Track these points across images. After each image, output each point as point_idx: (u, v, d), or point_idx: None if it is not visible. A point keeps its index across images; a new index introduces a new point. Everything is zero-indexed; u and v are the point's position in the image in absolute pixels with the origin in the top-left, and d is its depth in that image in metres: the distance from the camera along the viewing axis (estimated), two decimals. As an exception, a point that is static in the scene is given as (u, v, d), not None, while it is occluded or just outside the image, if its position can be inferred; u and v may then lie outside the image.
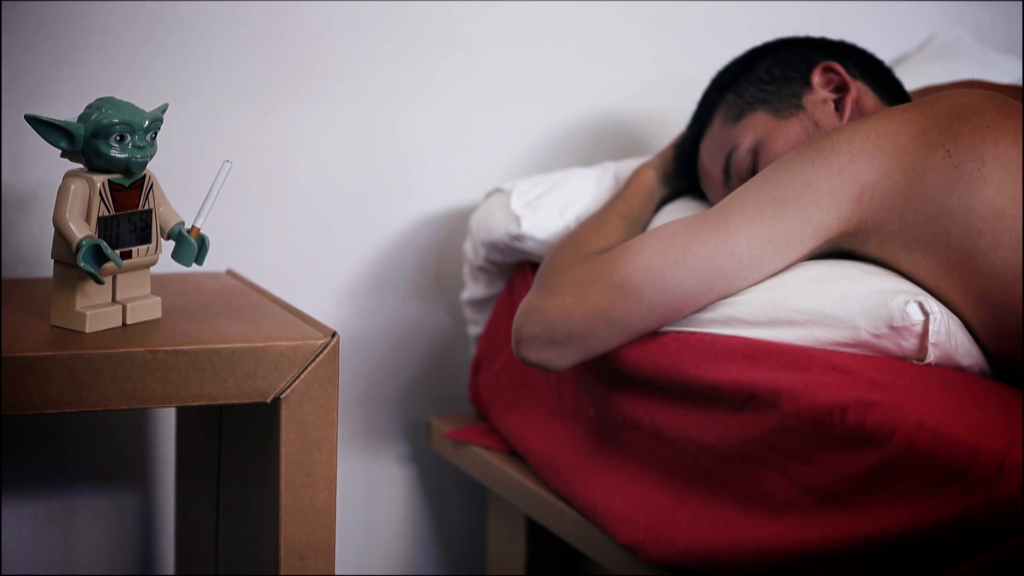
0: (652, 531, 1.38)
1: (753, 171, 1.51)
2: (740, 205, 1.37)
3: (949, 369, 1.29)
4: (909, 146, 1.34)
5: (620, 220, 1.56)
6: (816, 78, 1.52)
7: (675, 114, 1.76)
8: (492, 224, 1.70)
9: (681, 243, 1.37)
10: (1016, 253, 1.28)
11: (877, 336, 1.29)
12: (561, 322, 1.40)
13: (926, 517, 1.12)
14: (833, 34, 1.60)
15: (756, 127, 1.52)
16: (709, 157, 1.57)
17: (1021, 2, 2.11)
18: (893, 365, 1.27)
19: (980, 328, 1.30)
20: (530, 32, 1.86)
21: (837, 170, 1.35)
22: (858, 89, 1.52)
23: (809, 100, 1.51)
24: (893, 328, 1.28)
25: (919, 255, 1.33)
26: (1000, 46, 2.09)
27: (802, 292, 1.33)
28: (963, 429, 1.12)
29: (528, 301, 1.45)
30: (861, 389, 1.21)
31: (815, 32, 1.61)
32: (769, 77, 1.54)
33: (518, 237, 1.66)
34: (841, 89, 1.52)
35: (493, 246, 1.70)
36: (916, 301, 1.28)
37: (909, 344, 1.29)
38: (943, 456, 1.12)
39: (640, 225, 1.57)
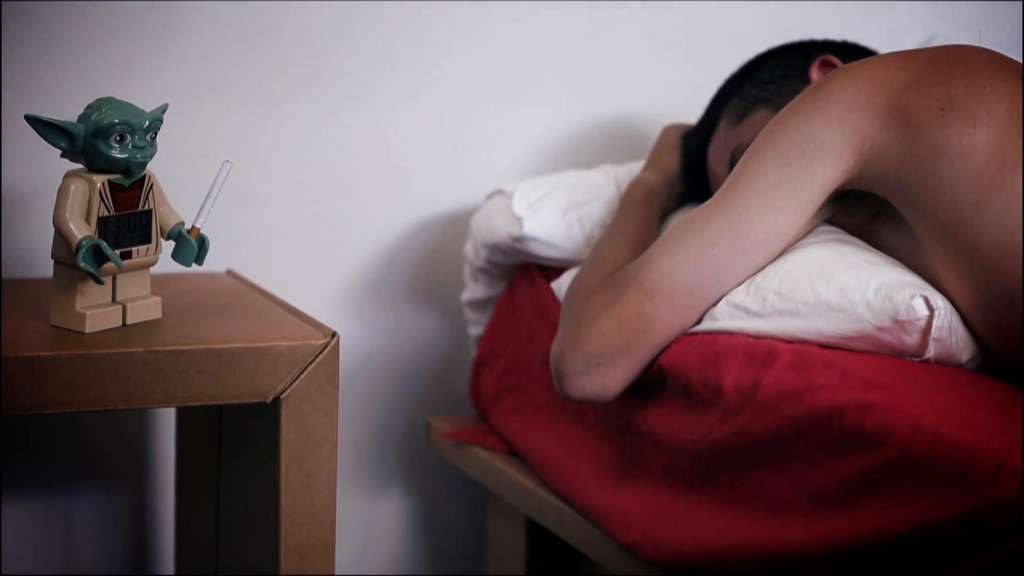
0: (651, 532, 1.38)
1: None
2: (744, 181, 1.36)
3: (948, 368, 1.29)
4: (903, 95, 1.33)
5: (631, 237, 1.54)
6: (814, 72, 1.52)
7: (676, 116, 1.76)
8: (494, 225, 1.70)
9: (697, 236, 1.36)
10: (1000, 227, 1.26)
11: (880, 329, 1.29)
12: (600, 347, 1.39)
13: (925, 518, 1.12)
14: (834, 35, 1.60)
15: (758, 125, 1.52)
16: (716, 159, 1.58)
17: (1021, 2, 2.11)
18: (891, 365, 1.27)
19: (968, 309, 1.29)
20: (532, 34, 1.86)
21: (836, 120, 1.34)
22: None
23: (807, 94, 1.51)
24: (897, 322, 1.28)
25: (911, 220, 1.32)
26: (1000, 46, 2.08)
27: (807, 283, 1.33)
28: (962, 430, 1.12)
29: (564, 336, 1.42)
30: (859, 390, 1.21)
31: (815, 34, 1.61)
32: (770, 77, 1.55)
33: (520, 239, 1.66)
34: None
35: (495, 247, 1.70)
36: (922, 296, 1.28)
37: (911, 339, 1.29)
38: (942, 457, 1.12)
39: (650, 238, 1.56)
